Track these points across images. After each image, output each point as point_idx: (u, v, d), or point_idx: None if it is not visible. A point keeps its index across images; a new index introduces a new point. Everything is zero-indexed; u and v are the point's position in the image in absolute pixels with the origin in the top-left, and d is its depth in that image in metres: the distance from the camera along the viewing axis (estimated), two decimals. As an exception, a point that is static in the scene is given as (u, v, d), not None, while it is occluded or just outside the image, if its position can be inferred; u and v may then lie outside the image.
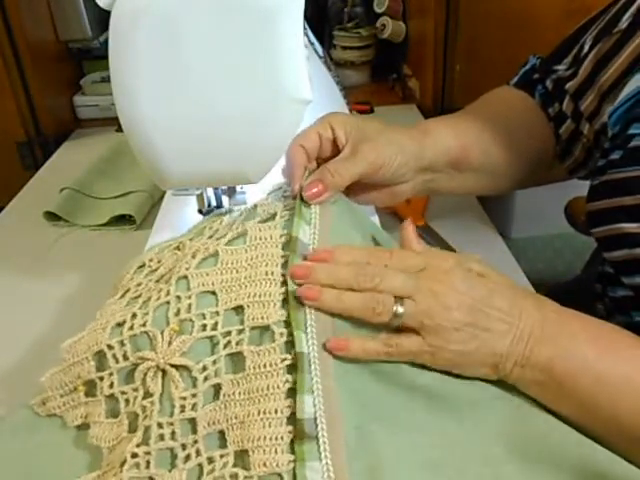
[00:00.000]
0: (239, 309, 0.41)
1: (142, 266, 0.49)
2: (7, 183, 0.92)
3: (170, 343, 0.40)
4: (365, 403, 0.39)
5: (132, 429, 0.40)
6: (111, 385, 0.42)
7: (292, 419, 0.37)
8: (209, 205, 0.57)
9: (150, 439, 0.38)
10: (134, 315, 0.42)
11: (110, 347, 0.41)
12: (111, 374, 0.42)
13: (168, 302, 0.42)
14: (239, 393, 0.39)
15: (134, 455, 0.38)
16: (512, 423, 0.40)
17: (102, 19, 1.07)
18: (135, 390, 0.41)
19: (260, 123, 0.46)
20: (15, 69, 0.96)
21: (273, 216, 0.46)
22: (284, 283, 0.41)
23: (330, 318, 0.40)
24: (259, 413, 0.37)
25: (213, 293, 0.42)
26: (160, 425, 0.38)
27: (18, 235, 0.77)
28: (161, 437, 0.38)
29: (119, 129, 1.02)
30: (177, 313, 0.41)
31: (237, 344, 0.40)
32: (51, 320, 0.61)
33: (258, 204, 0.49)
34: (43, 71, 1.01)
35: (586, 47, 0.57)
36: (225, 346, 0.40)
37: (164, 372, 0.40)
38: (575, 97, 0.58)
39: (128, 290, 0.46)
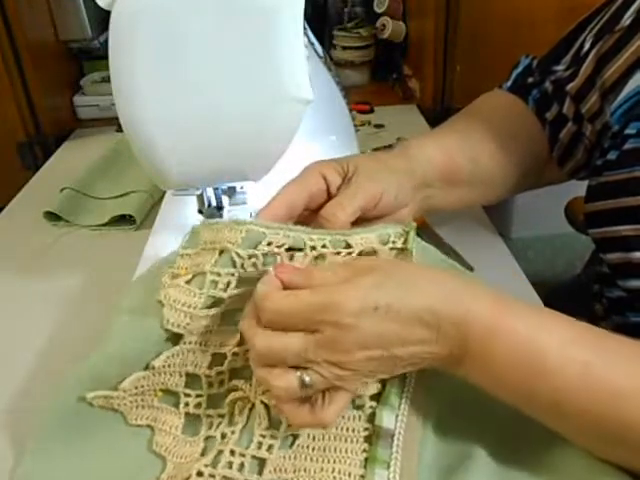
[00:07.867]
0: None
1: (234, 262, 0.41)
2: (7, 183, 0.92)
3: None
4: None
5: (203, 452, 0.41)
6: (198, 405, 0.43)
7: None
8: (209, 205, 0.57)
9: (219, 463, 0.39)
10: (235, 354, 0.42)
11: (207, 376, 0.43)
12: (201, 395, 0.43)
13: None
14: (313, 448, 0.40)
15: (200, 473, 0.39)
16: None
17: (102, 19, 1.07)
18: (221, 416, 0.42)
19: (260, 123, 0.46)
20: (15, 69, 0.96)
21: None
22: None
23: (424, 398, 0.40)
24: (333, 471, 0.38)
25: None
26: (232, 453, 0.39)
27: (18, 235, 0.77)
28: (229, 465, 0.39)
29: (119, 129, 1.03)
30: None
31: None
32: (51, 320, 0.61)
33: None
34: (43, 71, 1.01)
35: (586, 45, 0.56)
36: None
37: (253, 405, 0.41)
38: (576, 98, 0.57)
39: (220, 300, 0.41)
